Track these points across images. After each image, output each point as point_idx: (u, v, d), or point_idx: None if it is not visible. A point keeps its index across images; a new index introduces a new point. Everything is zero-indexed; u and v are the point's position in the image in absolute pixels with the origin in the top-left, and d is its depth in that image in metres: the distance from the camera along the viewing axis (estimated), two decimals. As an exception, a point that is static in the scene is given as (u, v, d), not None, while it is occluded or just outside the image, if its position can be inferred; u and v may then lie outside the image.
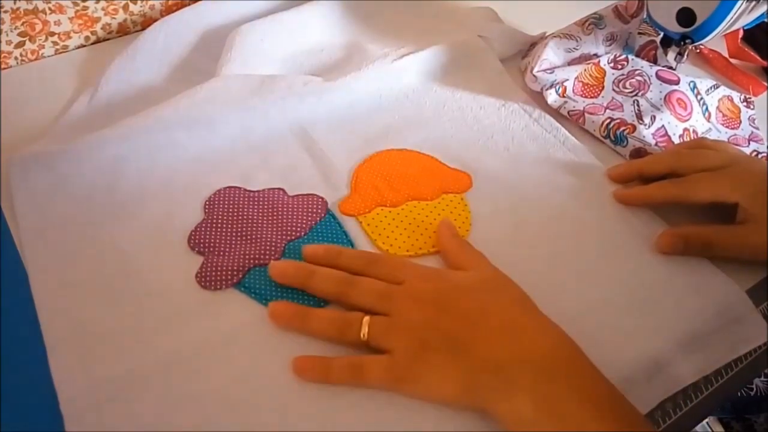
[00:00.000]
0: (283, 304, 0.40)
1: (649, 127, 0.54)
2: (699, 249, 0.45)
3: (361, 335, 0.37)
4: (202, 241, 0.44)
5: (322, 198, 0.47)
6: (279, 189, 0.48)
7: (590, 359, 0.36)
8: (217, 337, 0.39)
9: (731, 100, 0.59)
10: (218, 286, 0.41)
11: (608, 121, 0.55)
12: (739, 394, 0.77)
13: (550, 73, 0.58)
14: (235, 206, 0.46)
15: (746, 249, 0.44)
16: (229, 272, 0.42)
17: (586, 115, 0.56)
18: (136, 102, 0.54)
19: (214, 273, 0.41)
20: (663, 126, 0.54)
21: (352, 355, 0.37)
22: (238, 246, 0.43)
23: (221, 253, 0.43)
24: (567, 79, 0.57)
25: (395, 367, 0.36)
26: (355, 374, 0.36)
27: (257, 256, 0.43)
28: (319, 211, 0.46)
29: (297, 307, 0.40)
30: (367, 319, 0.37)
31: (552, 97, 0.57)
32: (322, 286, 0.40)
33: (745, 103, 0.59)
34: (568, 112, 0.57)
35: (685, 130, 0.55)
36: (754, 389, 0.79)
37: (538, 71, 0.58)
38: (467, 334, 0.36)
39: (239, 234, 0.44)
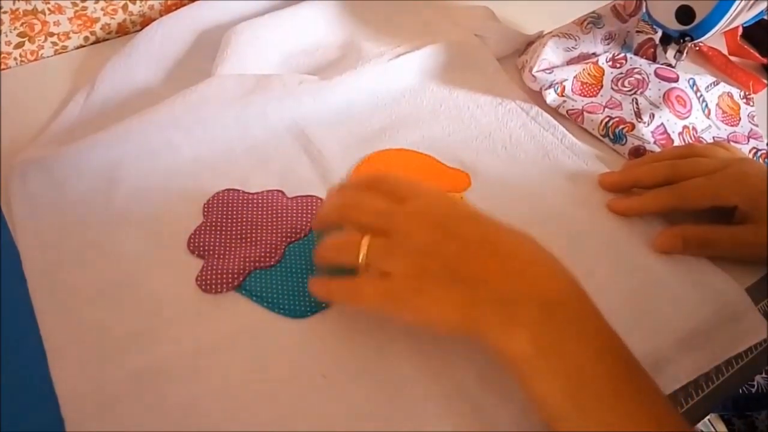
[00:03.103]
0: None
1: (648, 125, 0.54)
2: (697, 248, 0.45)
3: (359, 258, 0.35)
4: (201, 244, 0.43)
5: (322, 199, 0.47)
6: (278, 191, 0.48)
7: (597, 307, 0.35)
8: (218, 340, 0.39)
9: (731, 96, 0.59)
10: (219, 290, 0.41)
11: (607, 119, 0.55)
12: (740, 391, 0.77)
13: (549, 73, 0.58)
14: (234, 209, 0.46)
15: (745, 249, 0.45)
16: (230, 275, 0.41)
17: (585, 114, 0.56)
18: (133, 102, 0.54)
19: (214, 276, 0.41)
20: (662, 124, 0.54)
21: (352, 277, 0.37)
22: (238, 249, 0.43)
23: (221, 256, 0.43)
24: (566, 79, 0.57)
25: (391, 291, 0.34)
26: (350, 296, 0.36)
27: (258, 258, 0.43)
28: (319, 212, 0.47)
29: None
30: (365, 240, 0.35)
31: (551, 96, 0.57)
32: (327, 215, 0.40)
33: (744, 100, 0.59)
34: (567, 111, 0.57)
35: (685, 127, 0.55)
36: (756, 386, 0.79)
37: (537, 71, 0.58)
38: (472, 263, 0.34)
39: (239, 237, 0.44)
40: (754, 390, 0.77)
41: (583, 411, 0.31)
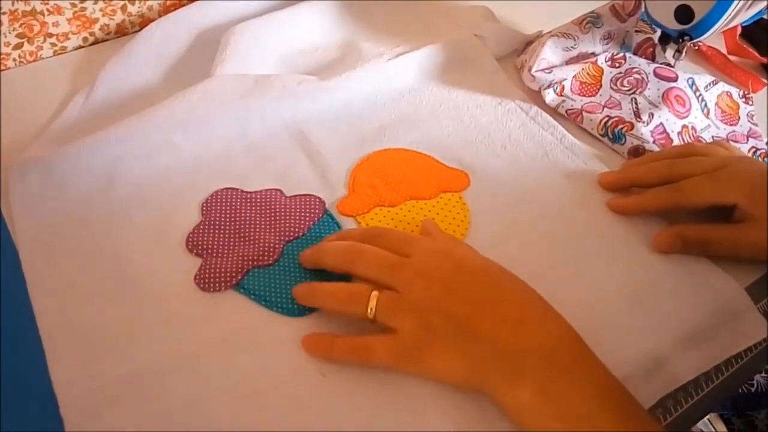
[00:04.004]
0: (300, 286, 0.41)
1: (647, 124, 0.54)
2: (697, 248, 0.45)
3: (368, 311, 0.37)
4: (200, 243, 0.44)
5: (320, 198, 0.47)
6: (276, 190, 0.48)
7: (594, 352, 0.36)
8: (217, 339, 0.39)
9: (730, 96, 0.59)
10: (217, 288, 0.41)
11: (606, 119, 0.55)
12: (740, 390, 0.77)
13: (548, 72, 0.58)
14: (233, 208, 0.46)
15: (744, 248, 0.45)
16: (228, 274, 0.42)
17: (584, 113, 0.56)
18: (132, 102, 0.54)
19: (212, 275, 0.41)
20: (661, 123, 0.54)
21: (357, 335, 0.38)
22: (236, 247, 0.43)
23: (220, 255, 0.43)
24: (565, 79, 0.57)
25: (400, 348, 0.36)
26: (359, 355, 0.37)
27: (256, 257, 0.43)
28: (317, 211, 0.46)
29: (307, 286, 0.40)
30: (375, 293, 0.37)
31: (550, 96, 0.57)
32: (329, 259, 0.41)
33: (743, 99, 0.59)
34: (566, 111, 0.57)
35: (684, 127, 0.55)
36: (755, 385, 0.79)
37: (536, 71, 0.58)
38: (474, 318, 0.36)
39: (237, 235, 0.44)
40: (753, 389, 0.77)
41: None
